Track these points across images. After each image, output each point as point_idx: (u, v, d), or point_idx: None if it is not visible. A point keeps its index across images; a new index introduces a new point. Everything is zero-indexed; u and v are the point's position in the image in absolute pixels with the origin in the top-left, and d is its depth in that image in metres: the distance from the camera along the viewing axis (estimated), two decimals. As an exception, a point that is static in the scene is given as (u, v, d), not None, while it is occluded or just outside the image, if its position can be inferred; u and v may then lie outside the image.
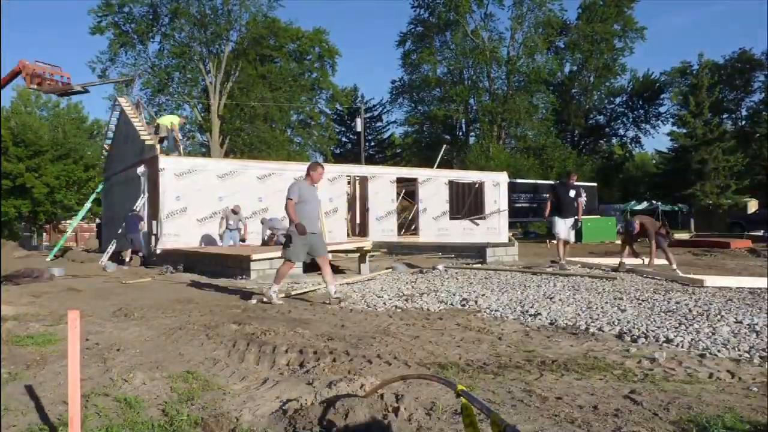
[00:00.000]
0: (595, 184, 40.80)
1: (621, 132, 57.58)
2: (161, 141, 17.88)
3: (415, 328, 6.30)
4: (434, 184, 22.02)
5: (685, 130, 36.78)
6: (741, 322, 6.07)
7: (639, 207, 46.82)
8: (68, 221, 34.24)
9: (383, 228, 20.54)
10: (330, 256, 10.01)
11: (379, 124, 60.88)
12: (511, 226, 26.79)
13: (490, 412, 2.33)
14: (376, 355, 4.94)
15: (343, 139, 59.76)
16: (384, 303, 8.04)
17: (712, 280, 9.26)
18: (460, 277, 10.98)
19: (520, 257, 14.86)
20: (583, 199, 12.53)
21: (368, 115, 53.05)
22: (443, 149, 29.08)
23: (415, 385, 4.05)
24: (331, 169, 19.70)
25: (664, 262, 11.51)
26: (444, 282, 10.30)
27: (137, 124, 19.17)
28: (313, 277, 11.13)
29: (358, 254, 12.79)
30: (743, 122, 55.67)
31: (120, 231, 17.57)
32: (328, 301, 8.20)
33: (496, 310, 7.23)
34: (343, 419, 3.20)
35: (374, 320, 6.82)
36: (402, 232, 22.02)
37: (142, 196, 17.18)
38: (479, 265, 13.15)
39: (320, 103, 53.01)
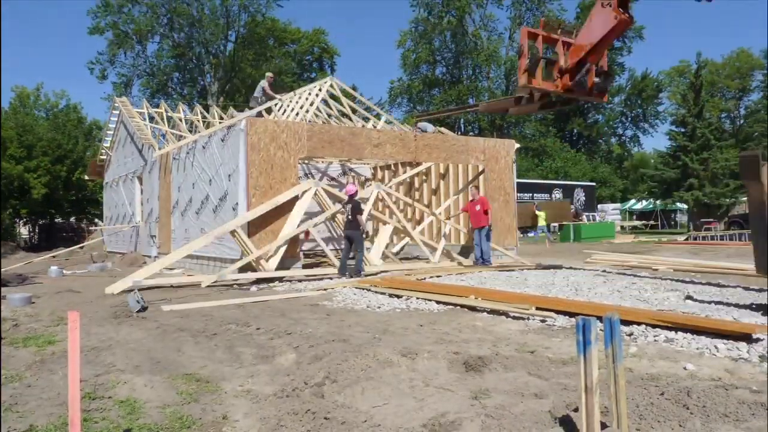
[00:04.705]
0: (594, 183, 40.86)
1: (620, 131, 57.72)
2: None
3: (416, 328, 6.30)
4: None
5: (683, 130, 36.77)
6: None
7: (638, 206, 46.95)
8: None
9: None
10: None
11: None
12: None
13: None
14: (376, 357, 4.93)
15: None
16: (384, 303, 8.04)
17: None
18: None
19: (520, 257, 14.85)
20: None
21: (367, 115, 52.97)
22: None
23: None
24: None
25: None
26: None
27: (137, 124, 19.15)
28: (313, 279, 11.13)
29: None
30: (741, 121, 55.77)
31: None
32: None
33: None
34: None
35: (375, 321, 6.82)
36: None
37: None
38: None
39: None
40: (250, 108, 15.99)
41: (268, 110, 16.34)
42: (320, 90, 17.65)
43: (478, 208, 13.35)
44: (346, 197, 12.16)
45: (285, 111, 16.51)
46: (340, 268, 11.39)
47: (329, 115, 18.42)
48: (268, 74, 16.99)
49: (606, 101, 9.66)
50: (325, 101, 18.01)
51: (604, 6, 7.84)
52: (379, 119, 18.73)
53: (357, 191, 12.38)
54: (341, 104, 18.26)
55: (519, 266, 12.95)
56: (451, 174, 16.45)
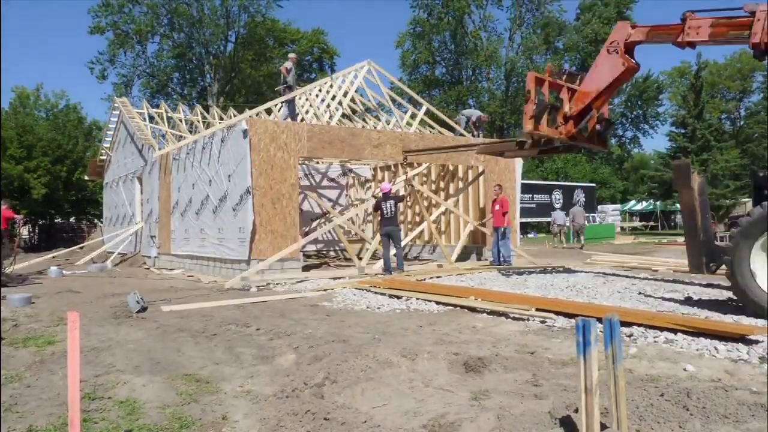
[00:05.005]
0: (594, 184, 40.84)
1: (620, 132, 57.67)
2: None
3: (416, 329, 6.29)
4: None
5: (683, 131, 36.78)
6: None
7: (638, 207, 46.99)
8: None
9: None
10: None
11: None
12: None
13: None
14: (375, 358, 4.93)
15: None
16: (384, 304, 8.04)
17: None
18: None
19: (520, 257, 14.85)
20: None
21: (367, 115, 52.92)
22: None
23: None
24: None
25: None
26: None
27: (137, 125, 19.16)
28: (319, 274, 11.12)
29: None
30: (742, 122, 55.80)
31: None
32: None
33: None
34: None
35: (375, 321, 6.82)
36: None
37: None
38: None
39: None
40: (281, 94, 14.62)
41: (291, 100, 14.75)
42: (356, 77, 15.63)
43: (497, 208, 13.27)
44: (380, 195, 12.21)
45: (316, 101, 15.22)
46: (385, 265, 11.54)
47: (366, 108, 17.13)
48: (291, 55, 15.61)
49: (606, 149, 9.97)
50: (362, 89, 16.50)
51: (610, 53, 7.89)
52: (419, 110, 16.91)
53: (391, 189, 12.41)
54: (380, 92, 16.45)
55: (533, 267, 12.94)
56: (452, 174, 16.44)
